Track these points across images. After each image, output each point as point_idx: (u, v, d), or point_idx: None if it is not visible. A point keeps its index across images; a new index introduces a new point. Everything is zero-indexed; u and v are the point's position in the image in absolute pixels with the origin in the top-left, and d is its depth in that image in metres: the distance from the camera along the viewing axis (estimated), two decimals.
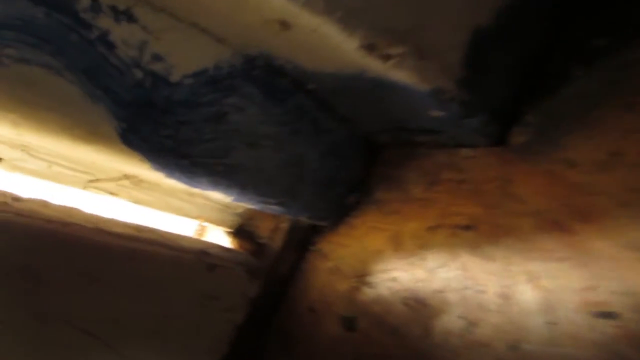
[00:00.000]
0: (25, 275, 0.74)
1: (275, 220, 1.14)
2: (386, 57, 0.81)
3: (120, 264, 0.82)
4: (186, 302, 0.90)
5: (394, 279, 1.09)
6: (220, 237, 1.13)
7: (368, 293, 1.12)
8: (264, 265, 1.03)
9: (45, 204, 0.78)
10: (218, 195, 0.98)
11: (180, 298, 0.90)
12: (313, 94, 1.01)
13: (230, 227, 1.12)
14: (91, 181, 0.88)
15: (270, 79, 0.94)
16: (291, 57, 0.89)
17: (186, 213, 1.02)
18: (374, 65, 0.84)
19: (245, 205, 1.06)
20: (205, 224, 1.10)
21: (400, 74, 0.85)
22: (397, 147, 1.16)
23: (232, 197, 1.00)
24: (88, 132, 0.78)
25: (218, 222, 1.09)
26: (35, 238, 0.74)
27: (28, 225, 0.73)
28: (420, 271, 1.07)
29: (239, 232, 1.14)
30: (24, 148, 0.82)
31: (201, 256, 0.92)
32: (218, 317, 0.94)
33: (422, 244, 1.08)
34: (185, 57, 0.84)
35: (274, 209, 1.05)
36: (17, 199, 0.74)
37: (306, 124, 1.03)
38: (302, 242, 1.19)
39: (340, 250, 1.18)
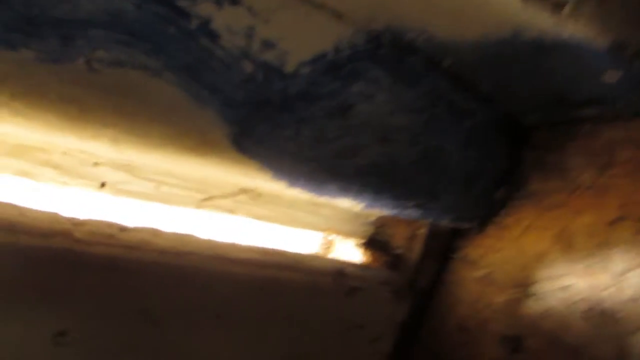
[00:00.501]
0: (142, 317, 0.63)
1: (411, 226, 0.98)
2: (558, 6, 0.62)
3: (246, 295, 0.69)
4: (325, 335, 0.76)
5: (567, 288, 0.89)
6: (350, 250, 0.98)
7: (534, 306, 0.92)
8: (404, 280, 0.86)
9: (155, 232, 0.66)
10: (348, 203, 0.83)
11: (318, 331, 0.75)
12: (449, 72, 0.84)
13: (361, 238, 0.96)
14: (205, 200, 0.76)
15: (400, 58, 0.78)
16: (425, 27, 0.72)
17: (312, 226, 0.88)
18: (539, 20, 0.65)
19: (378, 211, 0.90)
20: (333, 236, 0.95)
21: (574, 27, 0.65)
22: (551, 127, 0.96)
23: (364, 204, 0.84)
24: (196, 142, 0.65)
25: (347, 234, 0.93)
26: (148, 274, 0.62)
27: (139, 260, 0.61)
28: (602, 276, 0.85)
29: (370, 242, 0.98)
30: (128, 168, 0.71)
31: (338, 278, 0.77)
32: (364, 350, 0.79)
33: (601, 243, 0.86)
34: (299, 41, 0.70)
35: (411, 213, 0.89)
36: (124, 229, 0.63)
37: (442, 109, 0.86)
38: (443, 249, 1.01)
39: (491, 255, 0.98)
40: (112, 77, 0.59)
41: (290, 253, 0.79)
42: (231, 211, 0.79)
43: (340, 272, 0.79)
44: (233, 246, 0.72)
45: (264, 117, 0.69)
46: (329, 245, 1.02)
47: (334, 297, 0.76)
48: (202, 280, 0.65)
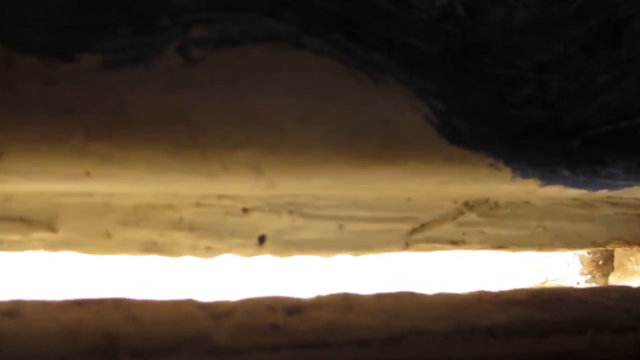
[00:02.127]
0: None
1: None
2: None
3: None
4: None
5: None
6: None
7: None
8: None
9: (346, 301, 0.40)
10: None
11: None
12: None
13: None
14: (414, 231, 0.50)
15: None
16: None
17: (580, 241, 0.56)
18: None
19: None
20: (613, 249, 0.62)
21: None
22: None
23: None
24: (382, 140, 0.40)
25: (637, 241, 0.59)
26: None
27: None
28: None
29: None
30: (294, 206, 0.47)
31: None
32: None
33: None
34: None
35: None
36: (295, 310, 0.38)
37: None
38: None
39: None
40: (225, 66, 0.36)
41: (583, 290, 0.49)
42: (455, 242, 0.51)
43: None
44: (484, 297, 0.43)
45: (484, 75, 0.41)
46: (604, 263, 0.68)
47: None
48: None
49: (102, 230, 0.44)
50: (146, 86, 0.36)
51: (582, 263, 0.70)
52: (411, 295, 0.41)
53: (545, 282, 0.70)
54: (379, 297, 0.40)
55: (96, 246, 0.44)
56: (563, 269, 0.70)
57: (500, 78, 0.41)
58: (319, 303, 0.39)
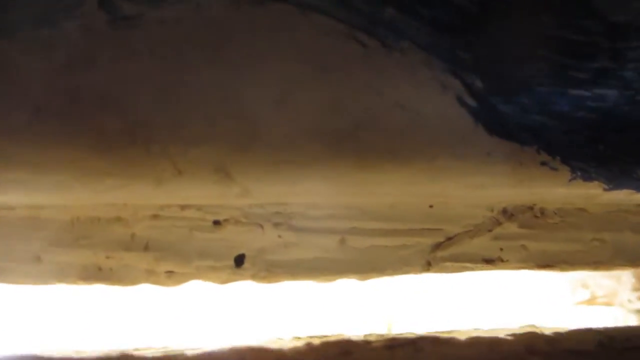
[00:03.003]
0: None
1: None
2: None
3: None
4: None
5: None
6: None
7: None
8: None
9: (343, 356, 0.29)
10: None
11: None
12: None
13: None
14: (437, 246, 0.39)
15: None
16: None
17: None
18: None
19: None
20: None
21: None
22: None
23: None
24: (396, 129, 0.29)
25: None
26: None
27: None
28: None
29: None
30: (279, 218, 0.36)
31: None
32: None
33: None
34: None
35: None
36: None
37: None
38: None
39: None
40: (170, 28, 0.26)
41: None
42: (490, 261, 0.40)
43: None
44: (535, 345, 0.31)
45: (535, 41, 0.30)
46: None
47: None
48: None
49: (30, 253, 0.34)
50: (56, 57, 0.25)
51: (635, 277, 0.59)
52: (434, 342, 0.30)
53: (591, 299, 0.59)
54: (391, 348, 0.29)
55: (22, 274, 0.34)
56: (612, 284, 0.59)
57: (562, 45, 0.29)
58: (308, 357, 0.28)
